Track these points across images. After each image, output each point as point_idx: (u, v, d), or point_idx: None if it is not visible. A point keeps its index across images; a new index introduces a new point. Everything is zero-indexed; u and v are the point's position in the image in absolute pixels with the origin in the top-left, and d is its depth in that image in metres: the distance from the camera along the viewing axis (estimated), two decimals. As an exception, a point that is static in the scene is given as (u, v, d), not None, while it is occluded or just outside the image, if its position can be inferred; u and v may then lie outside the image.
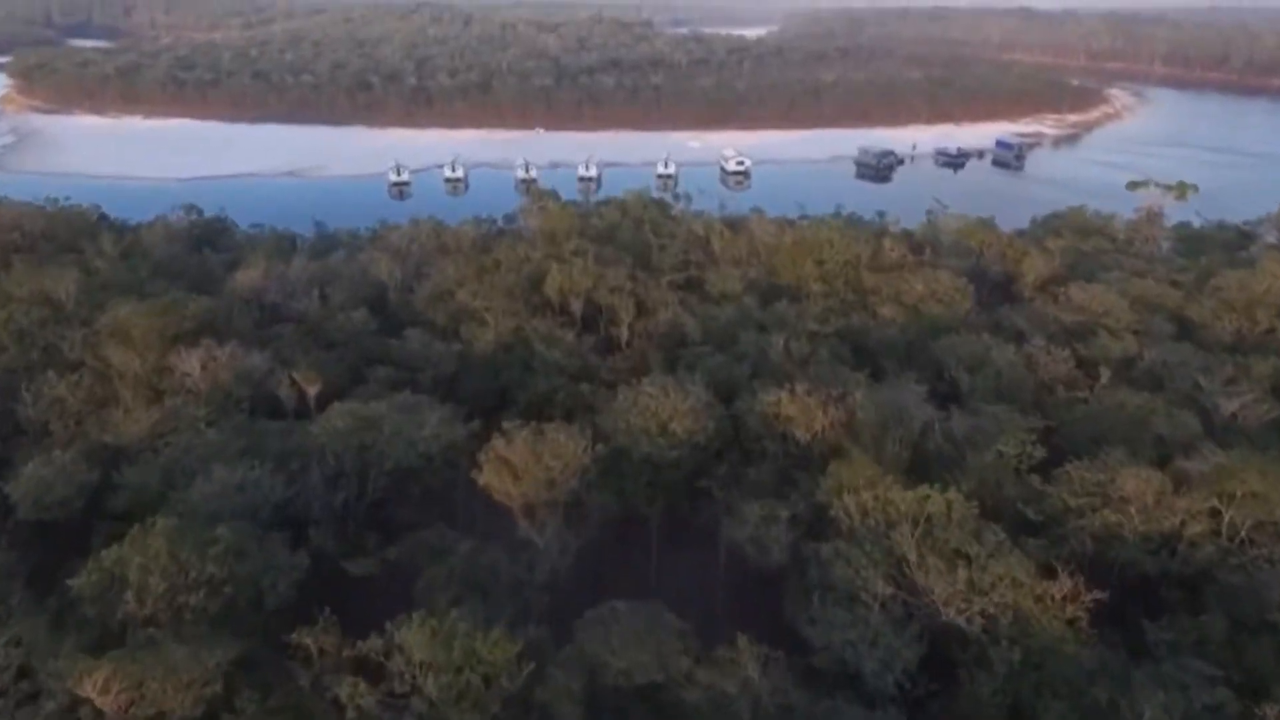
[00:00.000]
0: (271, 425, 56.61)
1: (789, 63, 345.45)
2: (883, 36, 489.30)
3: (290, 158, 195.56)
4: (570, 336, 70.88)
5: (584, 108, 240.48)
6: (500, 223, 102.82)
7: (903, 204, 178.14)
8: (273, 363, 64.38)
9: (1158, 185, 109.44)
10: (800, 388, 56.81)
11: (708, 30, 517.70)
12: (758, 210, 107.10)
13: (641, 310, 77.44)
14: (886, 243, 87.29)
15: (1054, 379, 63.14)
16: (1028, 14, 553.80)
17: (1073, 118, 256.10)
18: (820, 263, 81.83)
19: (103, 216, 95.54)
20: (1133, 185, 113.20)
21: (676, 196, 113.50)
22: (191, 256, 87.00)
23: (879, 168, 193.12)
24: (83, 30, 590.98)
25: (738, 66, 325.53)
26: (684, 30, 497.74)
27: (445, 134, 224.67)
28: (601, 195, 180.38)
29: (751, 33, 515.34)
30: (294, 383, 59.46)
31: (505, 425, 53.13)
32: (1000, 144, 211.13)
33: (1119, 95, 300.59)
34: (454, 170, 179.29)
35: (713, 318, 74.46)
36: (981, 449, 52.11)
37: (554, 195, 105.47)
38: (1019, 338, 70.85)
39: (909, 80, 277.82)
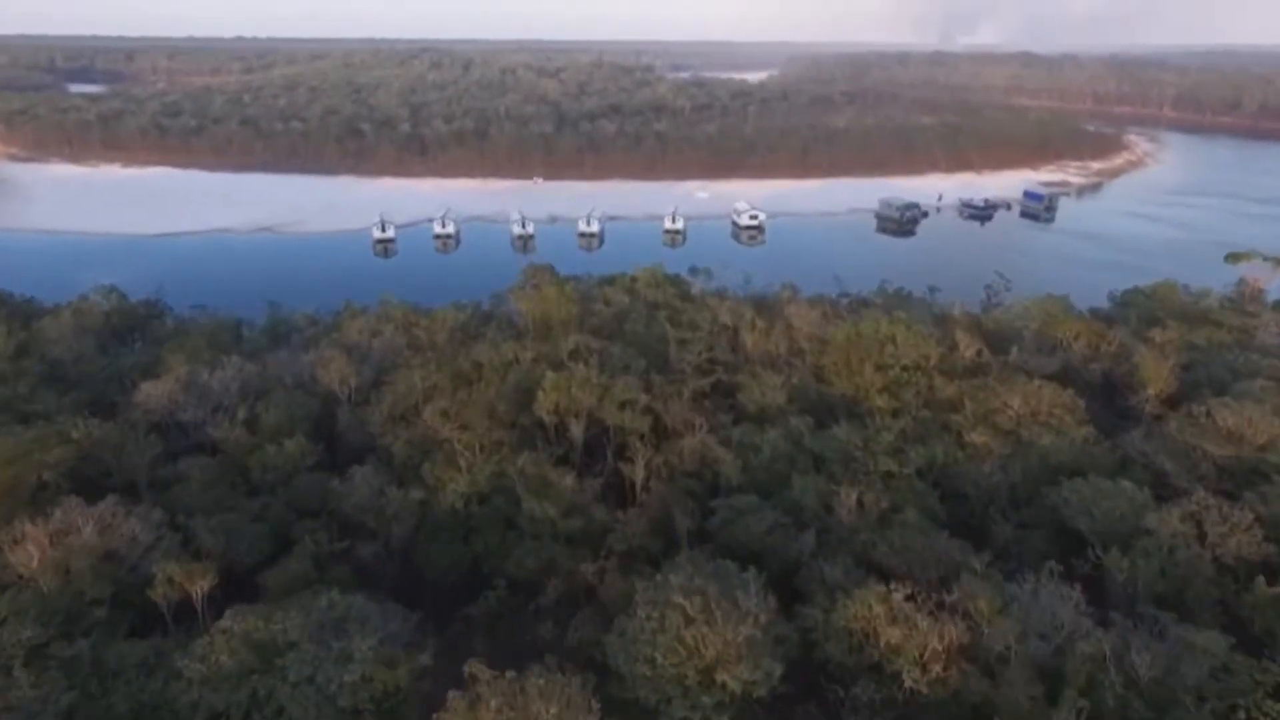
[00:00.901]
0: (129, 653, 38.07)
1: (795, 107, 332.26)
2: (885, 81, 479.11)
3: (270, 211, 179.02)
4: (568, 480, 52.76)
5: (585, 156, 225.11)
6: (487, 304, 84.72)
7: (930, 261, 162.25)
8: (162, 529, 46.33)
9: (1265, 259, 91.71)
10: (899, 590, 38.67)
11: (708, 74, 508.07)
12: (789, 287, 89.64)
13: (660, 433, 59.52)
14: (959, 337, 69.35)
15: (1237, 557, 44.90)
16: (1029, 59, 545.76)
17: (1096, 165, 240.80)
18: (882, 367, 64.00)
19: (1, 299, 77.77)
20: (1233, 258, 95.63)
21: (694, 272, 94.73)
22: (100, 357, 69.06)
23: (902, 221, 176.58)
24: (85, 75, 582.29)
25: (743, 112, 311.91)
26: (685, 75, 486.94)
27: (438, 184, 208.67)
28: (604, 252, 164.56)
29: (752, 77, 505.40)
30: (173, 581, 41.10)
31: (472, 669, 34.81)
32: (1028, 195, 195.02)
33: (1138, 141, 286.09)
34: (444, 226, 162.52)
35: (753, 448, 56.41)
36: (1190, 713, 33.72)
37: (550, 271, 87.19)
38: (1161, 481, 52.86)
39: (923, 126, 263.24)
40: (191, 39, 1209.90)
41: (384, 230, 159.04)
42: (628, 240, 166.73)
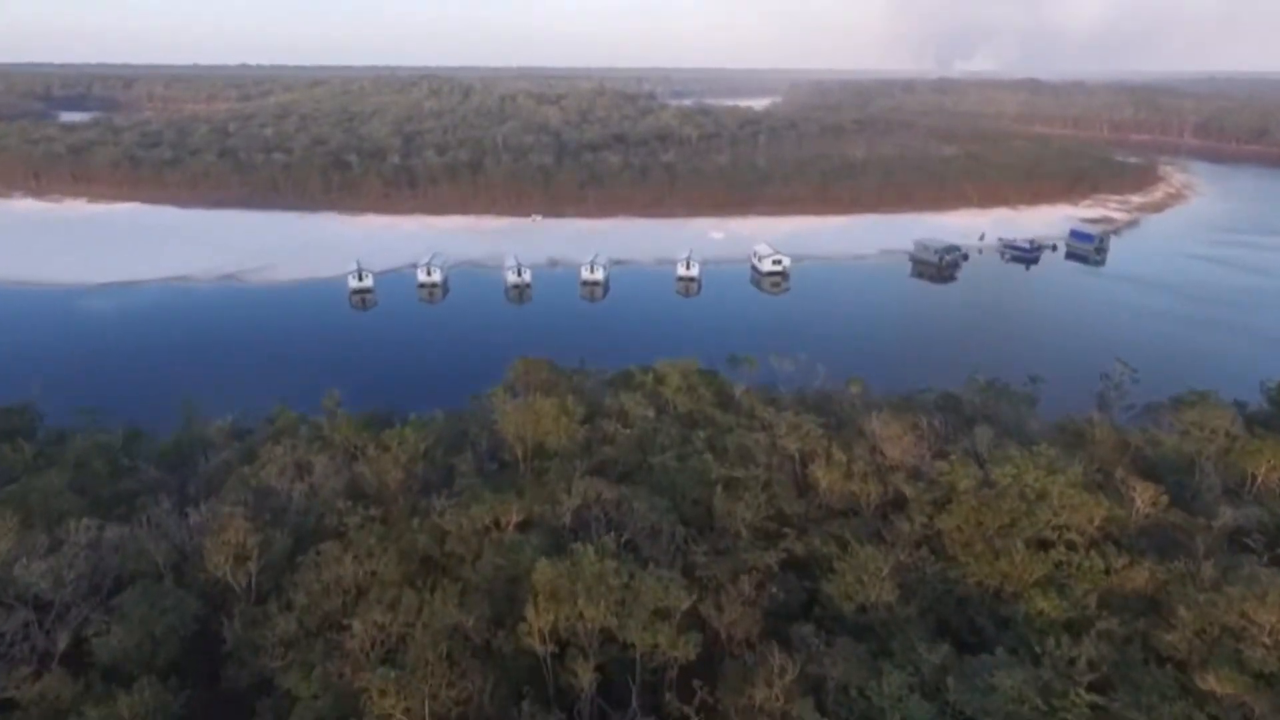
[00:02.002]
0: None
1: (806, 136, 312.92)
2: (892, 108, 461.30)
3: (239, 254, 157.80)
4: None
5: (587, 190, 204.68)
6: (465, 417, 62.54)
7: (981, 318, 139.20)
8: None
9: None
10: None
11: (711, 101, 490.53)
12: (857, 384, 67.86)
13: (714, 658, 37.90)
14: (1135, 490, 47.60)
15: None
16: (1036, 85, 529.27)
17: (1136, 199, 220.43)
18: (1040, 545, 42.47)
19: None
20: None
21: (734, 362, 73.47)
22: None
23: (942, 266, 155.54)
24: (80, 103, 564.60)
25: (752, 141, 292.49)
26: (688, 102, 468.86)
27: (427, 222, 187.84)
28: (610, 303, 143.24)
29: (754, 104, 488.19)
30: None
31: None
32: (1076, 234, 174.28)
33: (1172, 172, 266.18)
34: (429, 273, 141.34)
35: (865, 702, 34.75)
36: None
37: (546, 366, 65.40)
38: None
39: (947, 157, 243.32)
40: (195, 66, 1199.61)
41: (360, 279, 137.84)
42: (636, 288, 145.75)
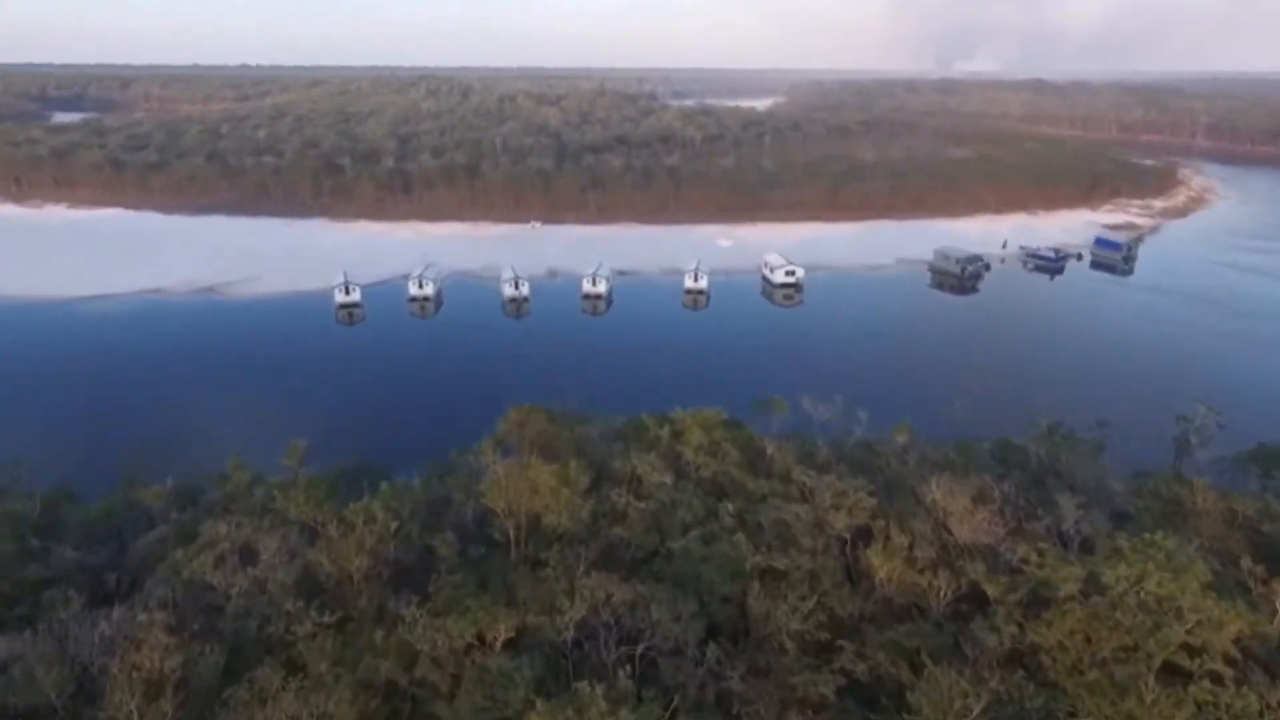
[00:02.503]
0: None
1: (811, 137, 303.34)
2: (896, 108, 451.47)
3: (221, 264, 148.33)
4: None
5: (588, 194, 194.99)
6: (447, 480, 52.58)
7: (1005, 330, 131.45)
8: None
9: None
10: None
11: (712, 102, 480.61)
12: (903, 432, 58.29)
13: None
14: (1273, 590, 38.13)
15: None
16: (1040, 86, 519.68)
17: (1158, 204, 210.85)
18: (1171, 673, 33.06)
19: None
20: None
21: (764, 407, 64.22)
22: None
23: (964, 277, 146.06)
24: (76, 104, 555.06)
25: (757, 143, 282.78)
26: (690, 102, 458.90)
27: (421, 229, 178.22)
28: (614, 316, 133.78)
29: (755, 104, 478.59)
30: None
31: None
32: (1102, 242, 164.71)
33: (1192, 175, 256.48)
34: (420, 286, 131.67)
35: None
36: None
37: (541, 415, 55.82)
38: None
39: (959, 160, 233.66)
40: (196, 67, 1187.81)
41: (347, 293, 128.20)
42: (641, 301, 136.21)
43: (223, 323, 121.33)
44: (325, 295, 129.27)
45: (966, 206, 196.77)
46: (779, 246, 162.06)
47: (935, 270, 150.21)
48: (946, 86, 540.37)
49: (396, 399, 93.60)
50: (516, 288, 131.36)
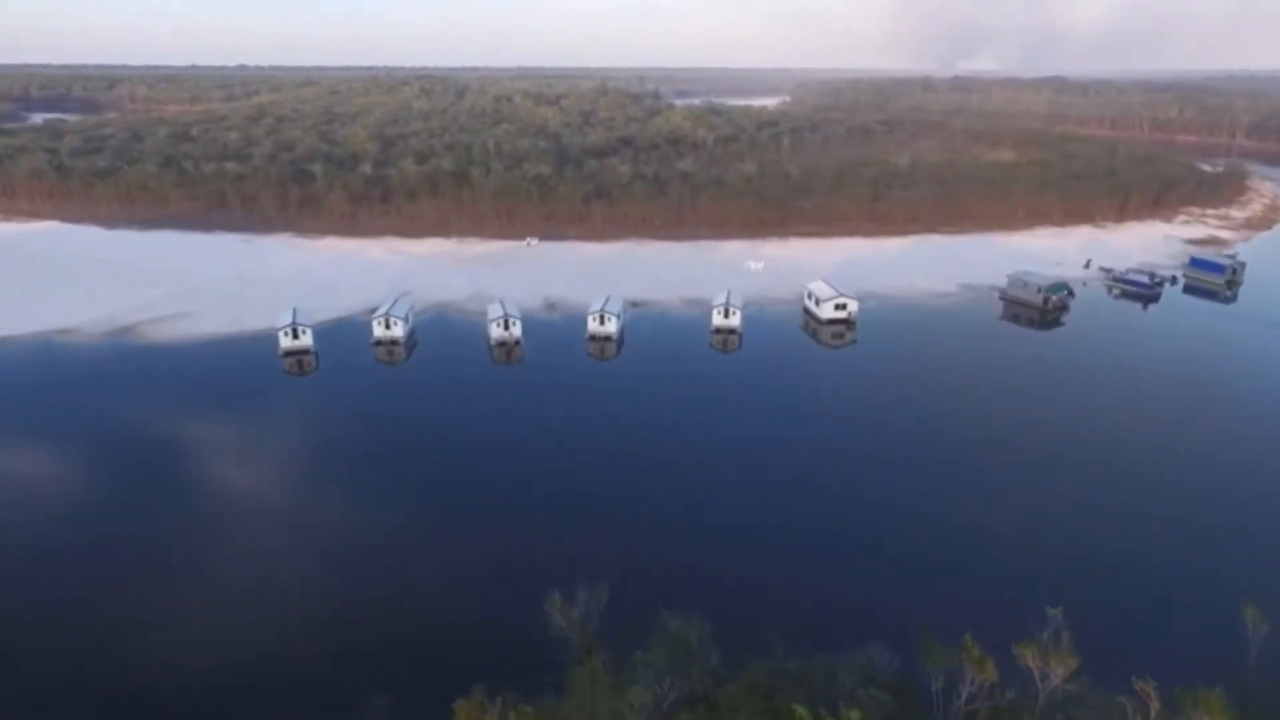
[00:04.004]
0: None
1: (832, 138, 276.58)
2: (913, 107, 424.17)
3: (154, 293, 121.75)
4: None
5: (593, 205, 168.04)
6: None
7: (1108, 376, 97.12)
8: None
9: None
10: None
11: (717, 101, 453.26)
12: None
13: None
14: None
15: None
16: (1061, 83, 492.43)
17: (1236, 214, 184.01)
18: None
19: None
20: None
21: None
22: None
23: (1047, 308, 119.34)
24: (58, 105, 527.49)
25: (774, 144, 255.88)
26: (696, 101, 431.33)
27: (398, 247, 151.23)
28: (626, 363, 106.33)
29: (761, 103, 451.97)
30: None
31: None
32: (1199, 263, 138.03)
33: (1260, 182, 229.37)
34: (388, 326, 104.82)
35: None
36: None
37: None
38: None
39: (1003, 164, 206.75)
40: (195, 68, 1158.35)
41: (295, 336, 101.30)
42: (659, 341, 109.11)
43: (131, 379, 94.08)
44: (272, 337, 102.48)
45: (1024, 219, 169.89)
46: (814, 266, 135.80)
47: (1010, 299, 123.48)
48: (962, 84, 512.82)
49: (335, 504, 66.87)
50: (506, 328, 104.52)
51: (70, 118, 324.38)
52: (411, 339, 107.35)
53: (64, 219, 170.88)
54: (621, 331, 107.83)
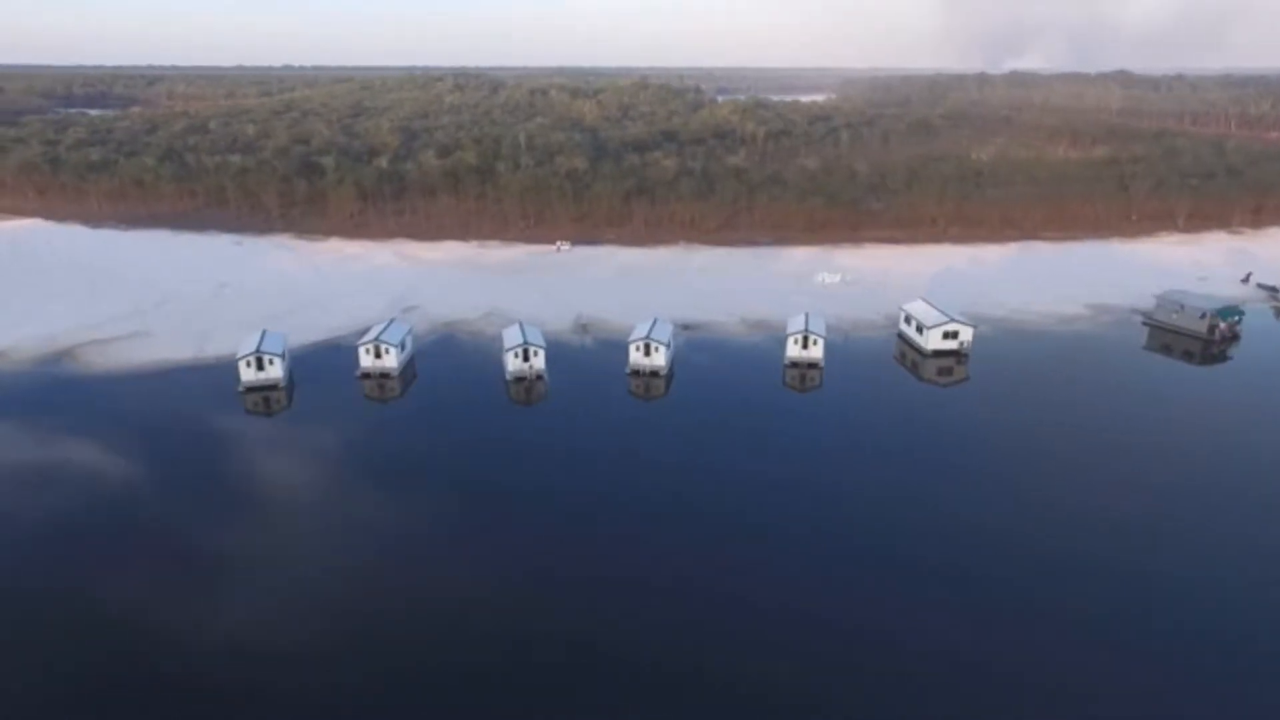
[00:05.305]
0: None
1: (892, 134, 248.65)
2: (969, 103, 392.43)
3: (112, 306, 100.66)
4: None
5: (633, 204, 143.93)
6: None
7: None
8: None
9: None
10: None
11: (763, 97, 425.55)
12: None
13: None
14: None
15: None
16: (1128, 78, 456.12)
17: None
18: None
19: None
20: None
21: None
22: None
23: (1213, 337, 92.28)
24: (100, 101, 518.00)
25: (832, 140, 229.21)
26: (741, 97, 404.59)
27: (408, 251, 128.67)
28: (675, 402, 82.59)
29: (807, 99, 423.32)
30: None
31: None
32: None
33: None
34: (379, 354, 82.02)
35: None
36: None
37: None
38: None
39: (1100, 160, 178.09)
40: (240, 68, 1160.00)
41: (260, 366, 78.83)
42: (719, 376, 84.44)
43: (34, 421, 72.08)
44: (234, 366, 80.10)
45: (1140, 222, 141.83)
46: (901, 280, 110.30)
47: (1159, 325, 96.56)
48: (1019, 80, 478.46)
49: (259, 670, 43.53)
50: (525, 358, 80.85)
51: (95, 112, 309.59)
52: (408, 370, 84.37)
53: (48, 216, 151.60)
54: (671, 364, 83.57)
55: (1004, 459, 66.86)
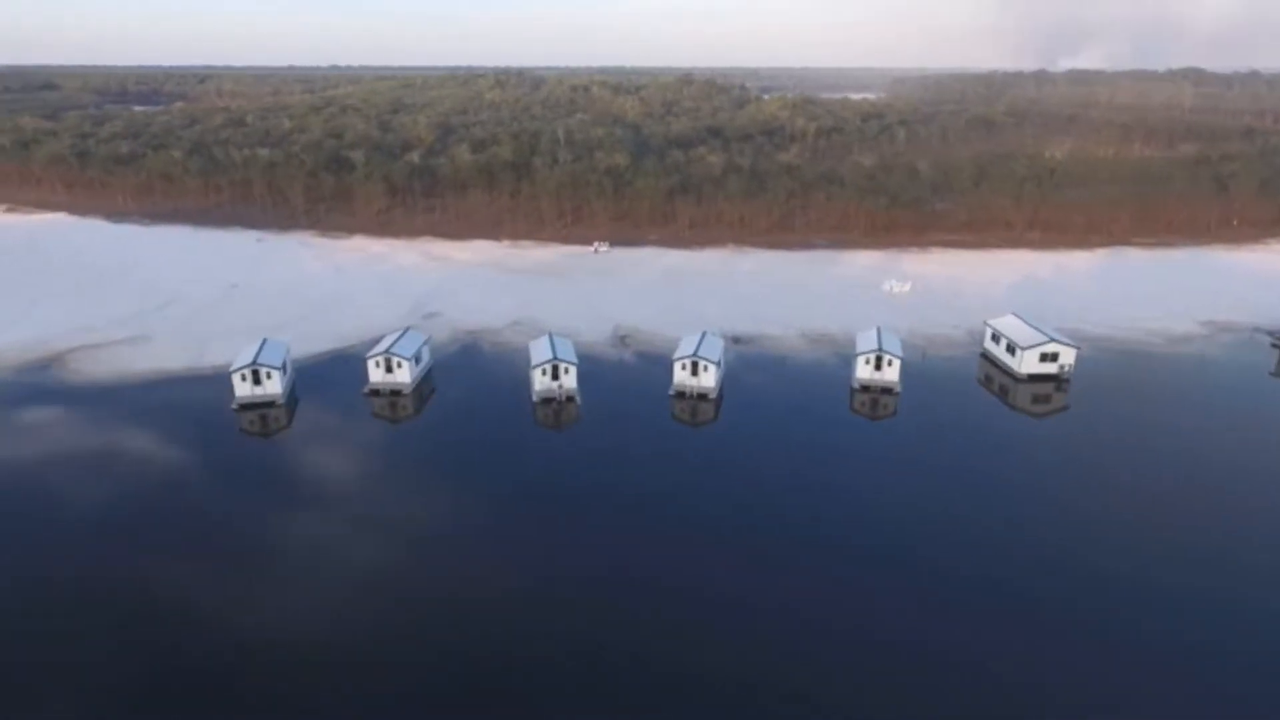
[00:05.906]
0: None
1: (951, 131, 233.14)
2: (1028, 101, 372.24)
3: (113, 310, 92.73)
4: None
5: (677, 203, 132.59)
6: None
7: None
8: None
9: None
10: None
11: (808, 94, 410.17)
12: None
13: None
14: None
15: None
16: (1199, 76, 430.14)
17: None
18: None
19: None
20: None
21: None
22: None
23: (1363, 366, 78.00)
24: (150, 99, 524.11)
25: (887, 137, 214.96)
26: (789, 94, 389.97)
27: (436, 251, 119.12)
28: (725, 432, 70.56)
29: (857, 97, 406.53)
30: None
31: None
32: None
33: None
34: (390, 367, 72.21)
35: None
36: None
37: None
38: None
39: (1188, 161, 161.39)
40: (291, 68, 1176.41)
41: (257, 381, 69.41)
42: (777, 399, 72.43)
43: (27, 438, 63.52)
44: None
45: (1243, 228, 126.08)
46: (978, 290, 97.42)
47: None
48: (1078, 78, 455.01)
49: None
50: (554, 376, 70.10)
51: (139, 108, 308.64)
52: (424, 385, 74.32)
53: (73, 210, 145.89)
54: (721, 386, 72.11)
55: (1118, 504, 54.13)
